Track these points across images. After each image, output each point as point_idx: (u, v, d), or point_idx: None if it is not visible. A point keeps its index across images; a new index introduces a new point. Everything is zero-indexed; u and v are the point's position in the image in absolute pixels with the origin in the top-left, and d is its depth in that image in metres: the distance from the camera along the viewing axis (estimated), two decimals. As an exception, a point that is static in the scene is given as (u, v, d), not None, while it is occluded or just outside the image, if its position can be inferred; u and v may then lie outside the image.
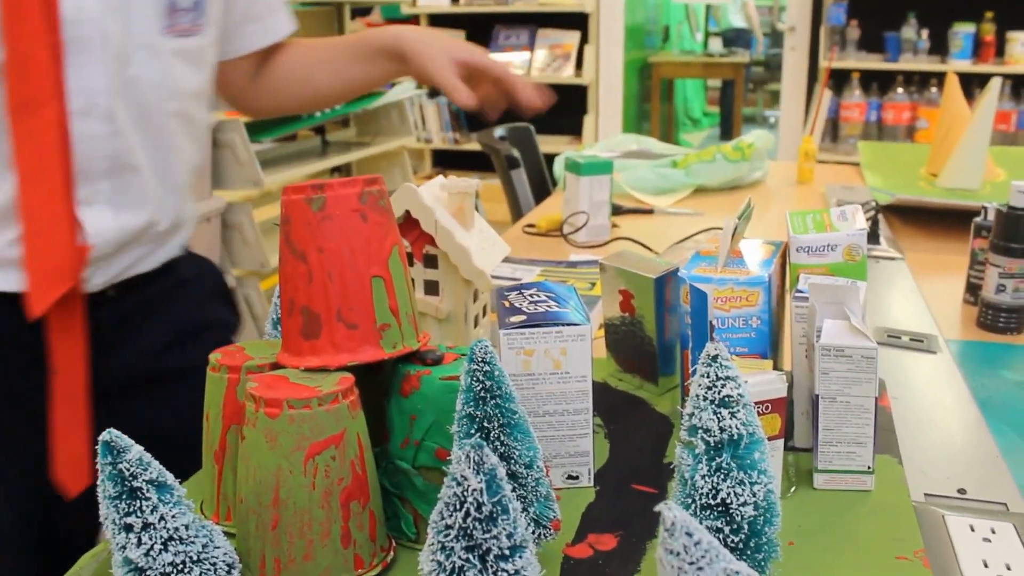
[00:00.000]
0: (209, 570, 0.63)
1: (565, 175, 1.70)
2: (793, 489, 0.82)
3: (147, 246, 1.07)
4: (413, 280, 1.06)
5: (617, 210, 1.82)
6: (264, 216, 3.16)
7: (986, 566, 0.72)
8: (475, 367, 0.65)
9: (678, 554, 0.48)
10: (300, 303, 0.72)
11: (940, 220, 1.84)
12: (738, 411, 0.61)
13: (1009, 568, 0.71)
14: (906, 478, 0.83)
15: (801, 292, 0.86)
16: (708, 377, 0.62)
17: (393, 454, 0.74)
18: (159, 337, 1.12)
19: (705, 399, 0.61)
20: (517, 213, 2.27)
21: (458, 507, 0.54)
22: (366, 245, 0.72)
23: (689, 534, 0.48)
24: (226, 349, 0.79)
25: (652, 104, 6.60)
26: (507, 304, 0.84)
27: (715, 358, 0.62)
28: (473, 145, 5.08)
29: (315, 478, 0.66)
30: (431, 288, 1.05)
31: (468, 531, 0.54)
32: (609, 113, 5.24)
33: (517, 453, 0.66)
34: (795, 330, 0.86)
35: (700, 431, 0.61)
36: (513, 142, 2.42)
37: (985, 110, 2.05)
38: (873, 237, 1.64)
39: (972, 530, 0.76)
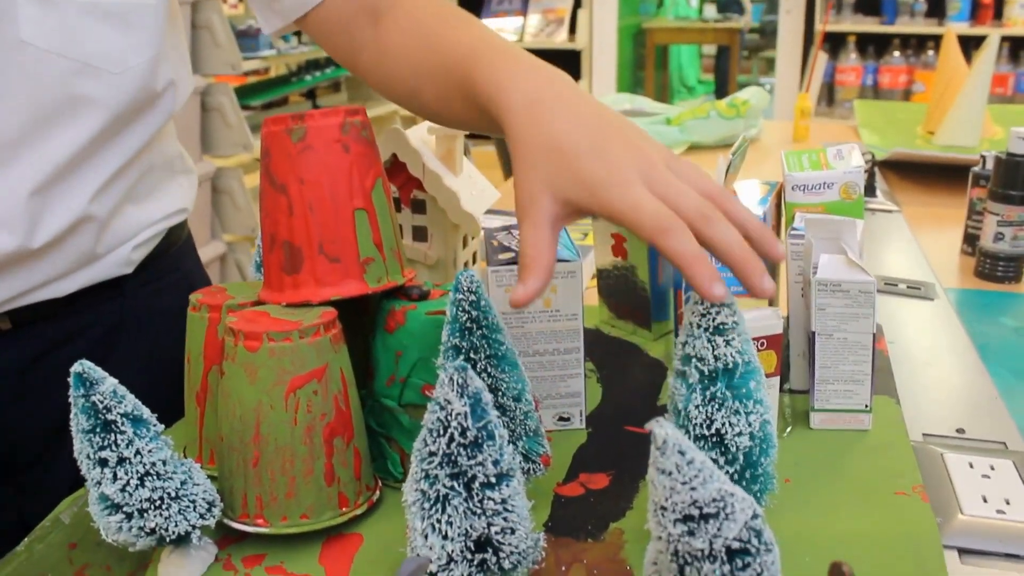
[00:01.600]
0: (188, 507, 0.62)
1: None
2: (789, 429, 0.80)
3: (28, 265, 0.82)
4: (401, 227, 1.04)
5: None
6: (255, 182, 3.12)
7: (985, 501, 0.70)
8: (461, 297, 0.63)
9: (670, 473, 0.46)
10: (281, 237, 0.70)
11: (937, 176, 1.81)
12: (733, 339, 0.59)
13: (1008, 503, 0.70)
14: (904, 418, 0.82)
15: (797, 230, 0.84)
16: (702, 304, 0.60)
17: (378, 392, 0.72)
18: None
19: (699, 327, 0.59)
20: (508, 170, 2.24)
21: (441, 432, 0.52)
22: (348, 177, 0.69)
23: (682, 452, 0.46)
24: (207, 289, 0.77)
25: (646, 71, 6.53)
26: (495, 243, 0.82)
27: (708, 284, 0.60)
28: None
29: (296, 413, 0.64)
30: (419, 234, 1.03)
31: (452, 457, 0.52)
32: (603, 79, 5.20)
33: (505, 385, 0.64)
34: (791, 268, 0.84)
35: (694, 360, 0.59)
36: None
37: (983, 66, 2.02)
38: (869, 190, 1.61)
39: (971, 467, 0.75)
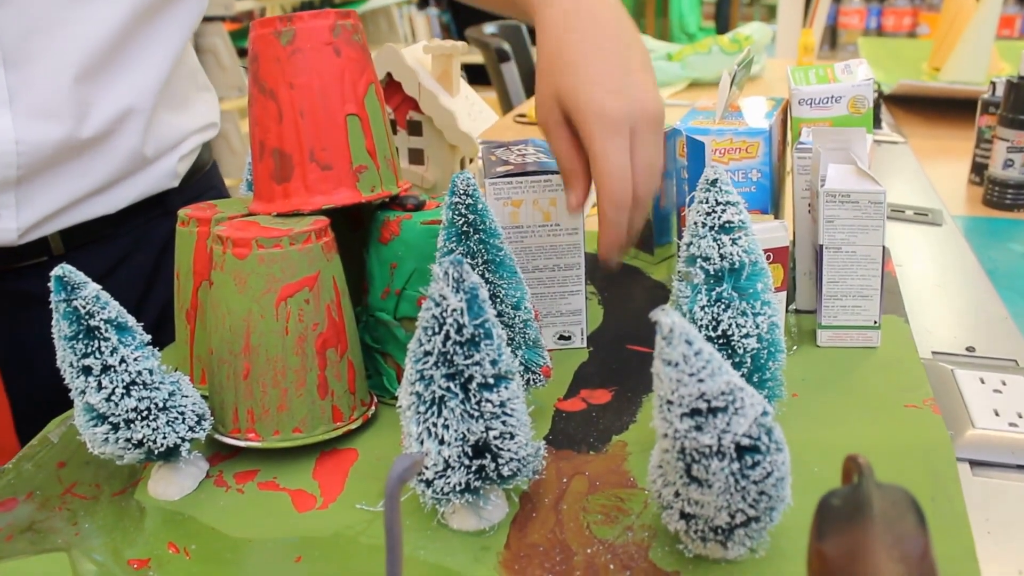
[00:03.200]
0: (177, 418, 0.60)
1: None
2: (795, 348, 0.78)
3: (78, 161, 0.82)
4: (397, 149, 1.01)
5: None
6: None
7: (997, 415, 0.68)
8: (457, 200, 0.60)
9: (676, 364, 0.44)
10: (271, 145, 0.67)
11: (943, 110, 1.78)
12: (739, 238, 0.57)
13: (1021, 416, 0.68)
14: (913, 336, 0.80)
15: (804, 144, 0.81)
16: (707, 203, 0.57)
17: (373, 306, 0.69)
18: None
19: (704, 225, 0.57)
20: (507, 107, 2.20)
21: (437, 330, 0.50)
22: (339, 81, 0.67)
23: (689, 342, 0.43)
24: (196, 205, 0.75)
25: (647, 18, 6.45)
26: (493, 157, 0.80)
27: (714, 183, 0.57)
28: (464, 57, 4.95)
29: (288, 323, 0.61)
30: (415, 157, 1.01)
31: (449, 357, 0.50)
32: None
33: (503, 292, 0.61)
34: (797, 184, 0.82)
35: (699, 260, 0.57)
36: (503, 38, 2.34)
37: (991, 1, 1.97)
38: (875, 122, 1.58)
39: (982, 383, 0.73)
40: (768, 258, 0.72)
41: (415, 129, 0.99)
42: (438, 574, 0.53)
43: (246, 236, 0.61)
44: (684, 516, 0.50)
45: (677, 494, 0.49)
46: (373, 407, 0.69)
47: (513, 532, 0.56)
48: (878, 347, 0.77)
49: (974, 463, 0.65)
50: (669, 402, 0.44)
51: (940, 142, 1.59)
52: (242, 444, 0.63)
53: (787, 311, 0.83)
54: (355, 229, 0.73)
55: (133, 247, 0.92)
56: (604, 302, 0.89)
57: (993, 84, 1.32)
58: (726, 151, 0.81)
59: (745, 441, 0.45)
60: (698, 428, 0.44)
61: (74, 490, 0.64)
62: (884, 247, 0.75)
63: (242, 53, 3.00)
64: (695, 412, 0.44)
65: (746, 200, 0.82)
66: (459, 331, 0.49)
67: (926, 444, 0.63)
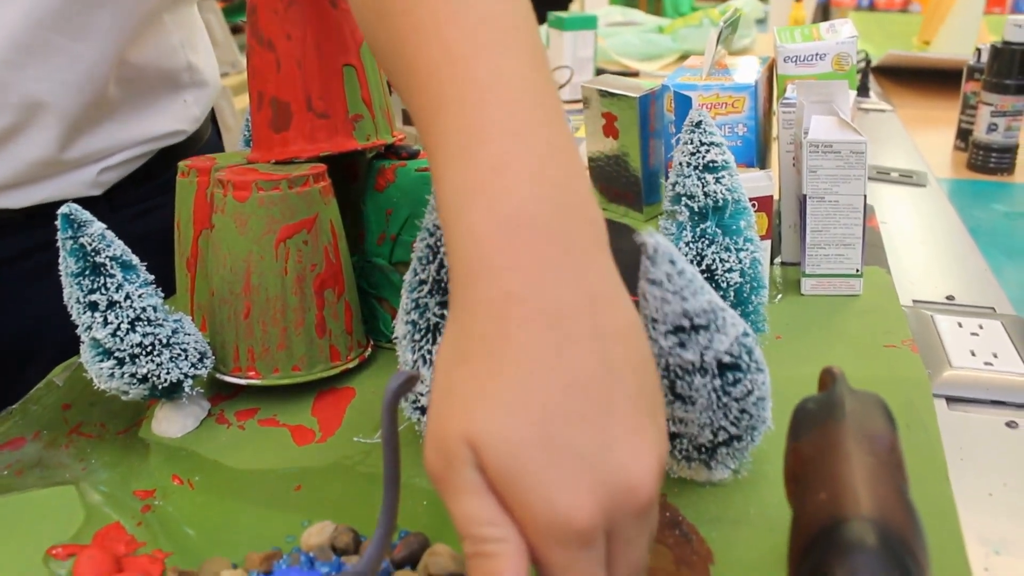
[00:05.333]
0: (180, 355, 0.62)
1: (548, 32, 1.65)
2: (780, 296, 0.80)
3: None
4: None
5: (602, 73, 1.77)
6: (244, 103, 3.09)
7: (973, 355, 0.70)
8: (450, 144, 0.62)
9: (660, 284, 0.46)
10: (269, 94, 0.69)
11: (931, 81, 1.80)
12: (723, 177, 0.59)
13: (996, 356, 0.70)
14: (895, 286, 0.82)
15: (788, 99, 0.83)
16: (691, 144, 0.59)
17: (369, 252, 0.71)
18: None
19: (689, 165, 0.59)
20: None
21: (431, 259, 0.52)
22: (337, 32, 0.68)
23: (672, 262, 0.46)
24: (195, 157, 0.76)
25: None
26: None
27: (699, 124, 0.59)
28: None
29: (287, 263, 0.63)
30: (409, 117, 1.02)
31: (442, 285, 0.52)
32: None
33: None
34: (782, 138, 0.84)
35: (684, 198, 0.59)
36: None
37: (980, -27, 1.99)
38: (863, 90, 1.60)
39: (960, 326, 0.75)
40: (753, 207, 0.74)
41: (409, 90, 1.00)
42: (433, 500, 0.56)
43: (246, 179, 0.63)
44: (669, 436, 0.52)
45: (662, 414, 0.51)
46: (369, 349, 0.71)
47: (505, 460, 0.58)
48: (860, 295, 0.80)
49: (950, 399, 0.67)
50: (654, 320, 0.47)
51: (927, 111, 1.61)
52: (243, 382, 0.65)
53: (772, 263, 0.85)
54: (351, 182, 0.74)
55: (37, 244, 0.83)
56: (594, 257, 0.91)
57: (978, 51, 1.34)
58: (712, 106, 0.83)
59: (727, 358, 0.47)
60: (681, 345, 0.46)
61: (80, 430, 0.66)
62: (865, 197, 0.77)
63: (235, 30, 3.01)
64: (679, 329, 0.46)
65: (732, 154, 0.85)
66: (453, 259, 0.51)
67: (904, 379, 0.65)
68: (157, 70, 0.87)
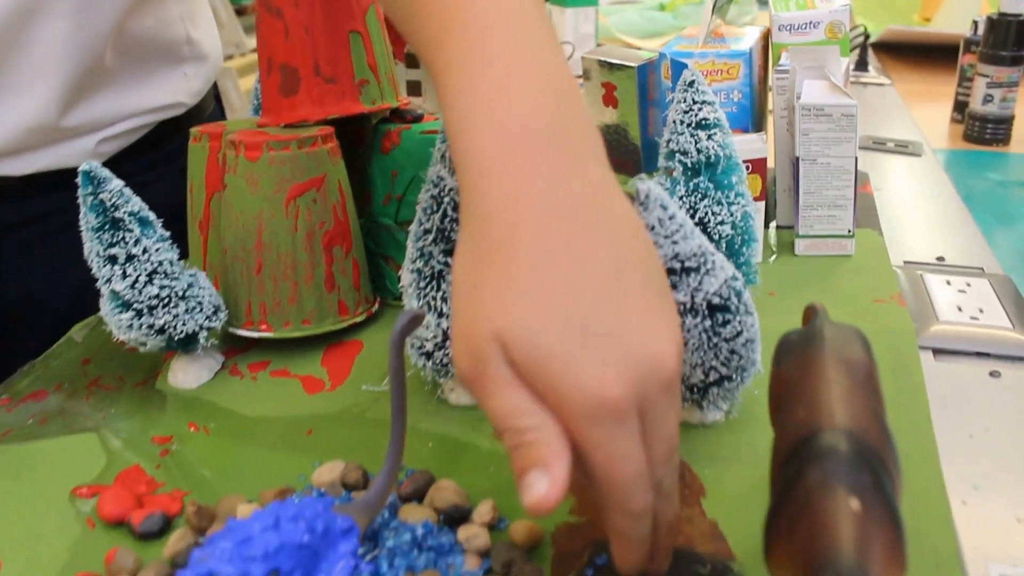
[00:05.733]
0: (195, 307, 0.64)
1: (551, 8, 1.67)
2: (774, 257, 0.83)
3: None
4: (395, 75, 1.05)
5: (603, 49, 1.79)
6: (249, 84, 3.11)
7: (960, 310, 0.73)
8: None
9: (652, 228, 0.48)
10: (278, 61, 0.71)
11: (930, 58, 1.82)
12: (715, 134, 0.61)
13: (982, 311, 0.73)
14: (886, 247, 0.84)
15: (782, 66, 0.86)
16: (685, 102, 0.62)
17: (375, 212, 0.74)
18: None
19: (682, 123, 0.61)
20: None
21: (435, 209, 0.54)
22: (342, -1, 0.71)
23: (664, 207, 0.48)
24: (206, 124, 0.79)
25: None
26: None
27: (691, 83, 0.62)
28: None
29: (297, 220, 0.66)
30: (413, 89, 1.05)
31: (446, 233, 0.55)
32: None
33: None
34: (776, 104, 0.86)
35: (677, 154, 0.62)
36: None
37: (980, -51, 2.00)
38: (861, 65, 1.62)
39: (948, 284, 0.77)
40: (748, 168, 0.76)
41: (413, 61, 1.03)
42: (438, 441, 0.58)
43: (258, 140, 0.66)
44: (662, 377, 0.54)
45: (655, 356, 0.54)
46: (376, 305, 0.73)
47: (507, 406, 0.61)
48: (852, 255, 0.82)
49: (937, 351, 0.69)
50: (646, 263, 0.49)
51: (925, 86, 1.63)
52: (255, 335, 0.68)
53: (767, 227, 0.88)
54: (357, 147, 0.77)
55: (38, 213, 0.85)
56: (595, 222, 0.94)
57: (975, 23, 1.36)
58: (708, 72, 0.86)
59: (716, 300, 0.50)
60: (673, 287, 0.49)
61: (99, 382, 0.69)
62: (856, 159, 0.79)
63: (239, 12, 3.02)
64: (670, 272, 0.49)
65: (728, 120, 0.87)
66: (455, 208, 0.54)
67: (891, 330, 0.68)
68: (155, 41, 0.89)
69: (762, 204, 0.78)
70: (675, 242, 0.48)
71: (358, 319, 0.70)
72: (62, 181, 0.78)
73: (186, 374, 0.67)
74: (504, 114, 0.41)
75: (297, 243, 0.66)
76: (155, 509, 0.53)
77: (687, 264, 0.48)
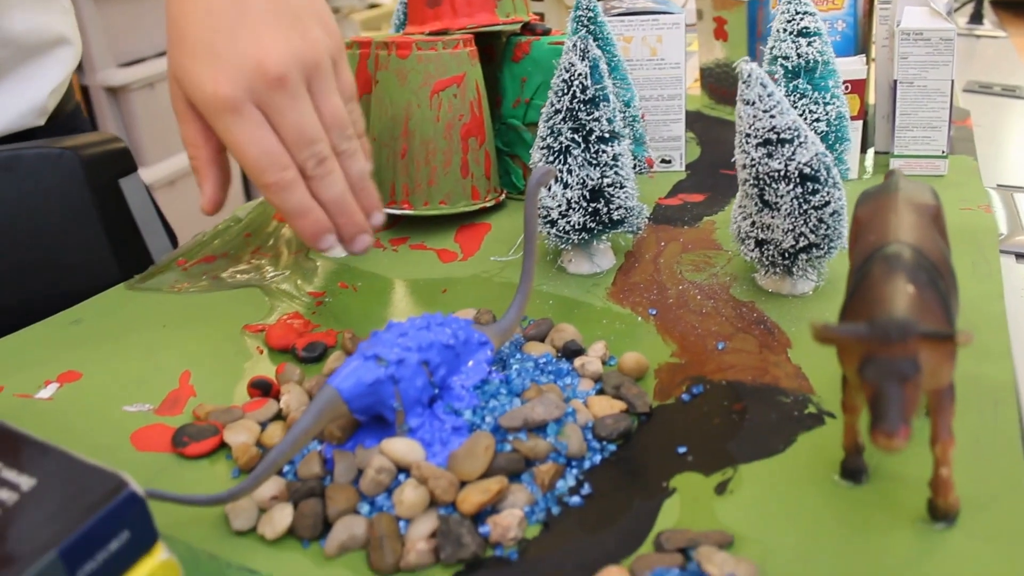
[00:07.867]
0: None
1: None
2: (868, 175, 0.89)
3: None
4: None
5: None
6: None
7: (1045, 222, 0.78)
8: (580, 13, 0.73)
9: (753, 103, 0.56)
10: (425, -24, 0.80)
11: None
12: (815, 41, 0.68)
13: (1066, 223, 0.78)
14: (980, 171, 0.89)
15: (887, -2, 0.91)
16: (787, 13, 0.68)
17: (505, 115, 0.83)
18: None
19: (784, 31, 0.68)
20: None
21: (565, 91, 0.63)
22: (484, -79, 0.79)
23: (764, 85, 0.56)
24: (356, 37, 0.89)
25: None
26: (609, 7, 0.91)
27: (797, -6, 0.69)
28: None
29: (439, 111, 0.75)
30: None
31: (574, 113, 0.63)
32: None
33: (617, 90, 0.74)
34: (879, 33, 0.92)
35: (779, 59, 0.69)
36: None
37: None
38: (976, 17, 1.64)
39: (1037, 201, 0.82)
40: (847, 88, 0.82)
41: (539, -8, 1.11)
42: (558, 300, 0.67)
43: (408, 41, 0.75)
44: (758, 244, 0.62)
45: (753, 224, 0.61)
46: (503, 195, 0.82)
47: (619, 276, 0.69)
48: (945, 175, 0.88)
49: (1019, 256, 0.75)
50: (747, 135, 0.57)
51: (1041, 42, 1.64)
52: (397, 212, 0.78)
53: (865, 152, 0.93)
54: (490, 61, 0.86)
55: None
56: (702, 143, 1.01)
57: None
58: (815, 2, 0.92)
59: (807, 170, 0.57)
60: (769, 155, 0.56)
61: (260, 251, 0.80)
62: (953, 82, 0.84)
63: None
64: (767, 142, 0.56)
65: (833, 48, 0.93)
66: (583, 91, 0.62)
67: (974, 230, 0.73)
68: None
69: (859, 123, 0.84)
70: (772, 116, 0.55)
71: (487, 204, 0.79)
72: None
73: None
74: None
75: (438, 132, 0.75)
76: (315, 340, 0.63)
77: (782, 136, 0.56)
